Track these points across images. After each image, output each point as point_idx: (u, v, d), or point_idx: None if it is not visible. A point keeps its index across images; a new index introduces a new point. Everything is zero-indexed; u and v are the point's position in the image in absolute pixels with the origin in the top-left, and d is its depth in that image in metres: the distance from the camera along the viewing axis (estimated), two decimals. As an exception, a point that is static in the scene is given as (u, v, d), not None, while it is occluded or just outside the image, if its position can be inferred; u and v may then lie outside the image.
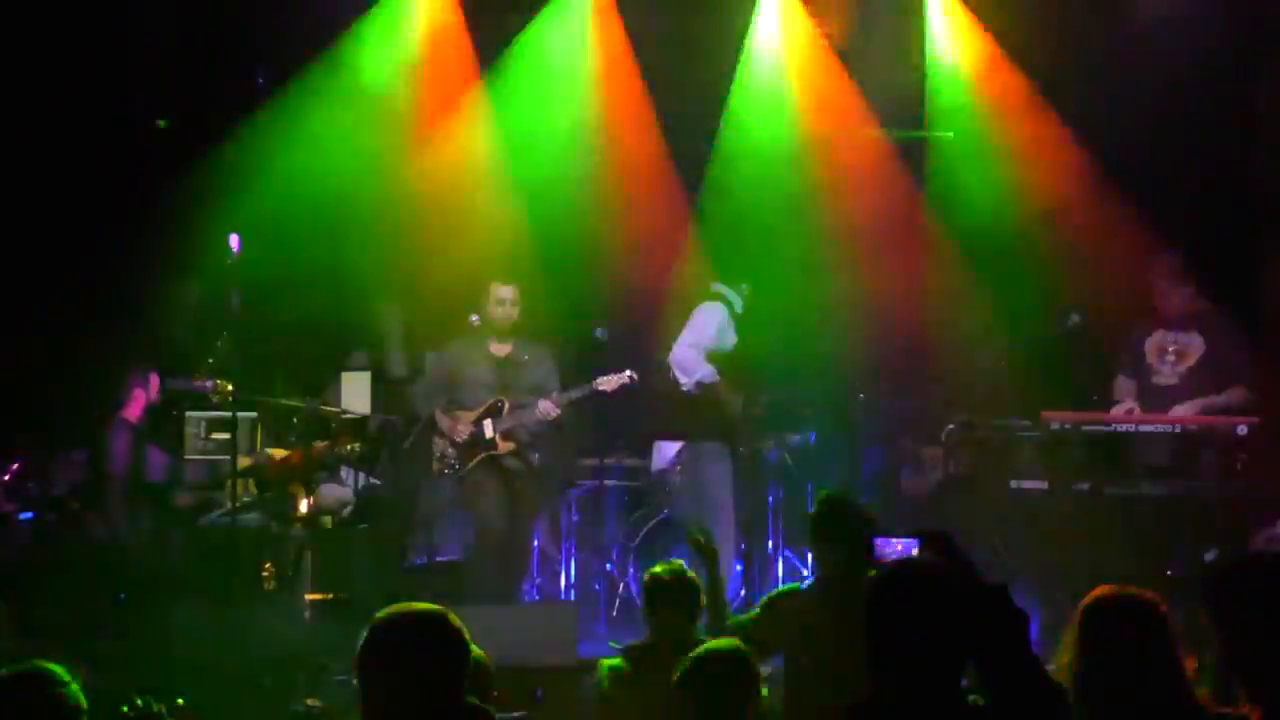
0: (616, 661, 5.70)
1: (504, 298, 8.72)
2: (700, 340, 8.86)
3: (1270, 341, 8.74)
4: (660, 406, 9.05)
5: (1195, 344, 8.37)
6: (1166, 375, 8.39)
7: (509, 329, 8.77)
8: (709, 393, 8.83)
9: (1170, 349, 8.40)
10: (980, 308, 9.11)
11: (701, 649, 4.52)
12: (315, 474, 9.15)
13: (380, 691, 3.53)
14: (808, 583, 6.16)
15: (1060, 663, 3.70)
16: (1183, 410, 8.16)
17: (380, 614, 3.60)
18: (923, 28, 9.67)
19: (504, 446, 8.66)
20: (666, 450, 9.23)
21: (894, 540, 3.59)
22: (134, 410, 8.87)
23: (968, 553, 3.41)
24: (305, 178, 8.99)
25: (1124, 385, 8.50)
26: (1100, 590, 3.77)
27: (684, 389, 8.85)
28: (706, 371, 8.82)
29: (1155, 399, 8.33)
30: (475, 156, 9.49)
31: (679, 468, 9.11)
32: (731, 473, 8.92)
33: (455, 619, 3.60)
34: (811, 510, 5.87)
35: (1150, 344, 8.46)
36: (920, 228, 9.52)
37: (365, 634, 3.59)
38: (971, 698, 3.32)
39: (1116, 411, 8.31)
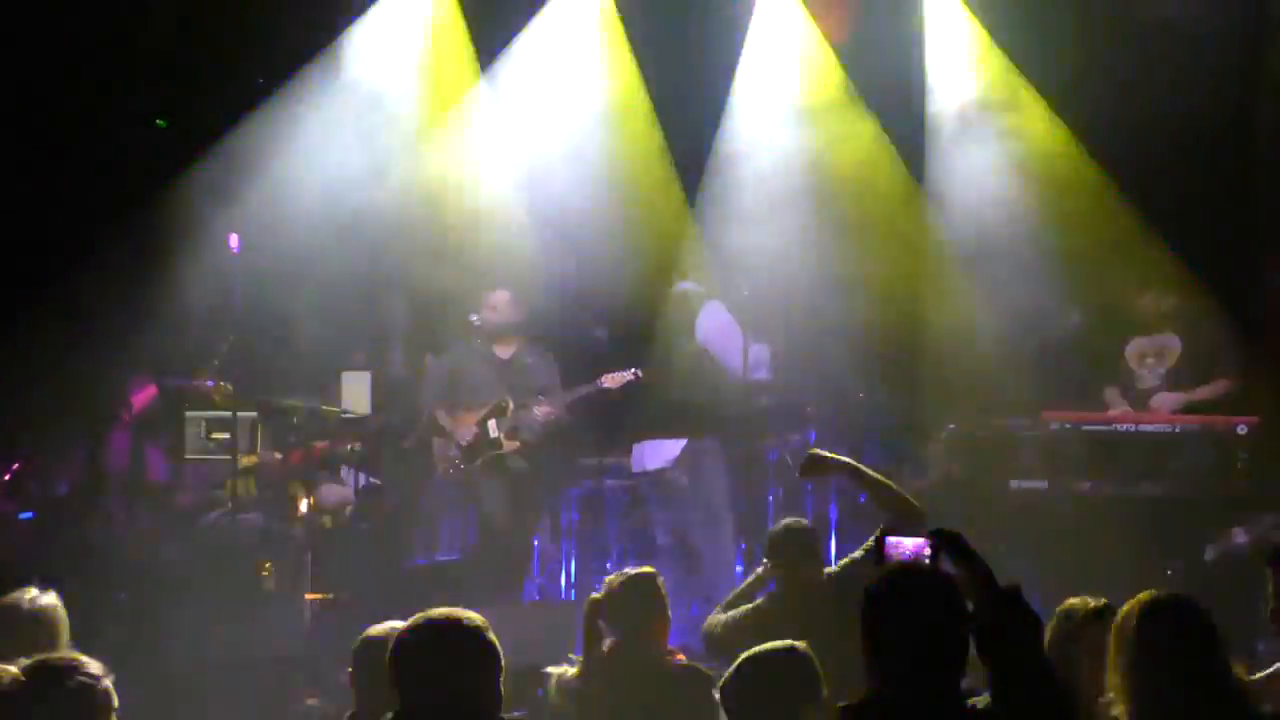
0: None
1: (497, 304, 8.73)
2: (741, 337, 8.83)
3: (1270, 341, 8.73)
4: (651, 407, 9.02)
5: (1173, 344, 8.41)
6: (1150, 379, 8.42)
7: (510, 331, 8.76)
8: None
9: (1150, 353, 8.43)
10: (981, 306, 9.10)
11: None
12: (315, 474, 9.16)
13: (412, 695, 3.42)
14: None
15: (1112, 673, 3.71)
16: (1158, 401, 8.21)
17: (417, 619, 3.48)
18: (922, 25, 9.65)
19: (509, 446, 8.66)
20: (663, 450, 9.18)
21: (905, 539, 3.53)
22: (132, 410, 8.87)
23: (980, 553, 3.41)
24: (305, 177, 8.98)
25: (1111, 395, 8.55)
26: (1147, 595, 3.78)
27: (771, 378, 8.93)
28: (764, 349, 8.86)
29: (1141, 405, 8.37)
30: (474, 157, 9.47)
31: (680, 468, 9.07)
32: (727, 469, 8.92)
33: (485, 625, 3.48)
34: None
35: (1130, 351, 8.50)
36: (920, 226, 9.50)
37: (399, 637, 3.48)
38: (972, 700, 3.32)
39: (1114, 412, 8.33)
